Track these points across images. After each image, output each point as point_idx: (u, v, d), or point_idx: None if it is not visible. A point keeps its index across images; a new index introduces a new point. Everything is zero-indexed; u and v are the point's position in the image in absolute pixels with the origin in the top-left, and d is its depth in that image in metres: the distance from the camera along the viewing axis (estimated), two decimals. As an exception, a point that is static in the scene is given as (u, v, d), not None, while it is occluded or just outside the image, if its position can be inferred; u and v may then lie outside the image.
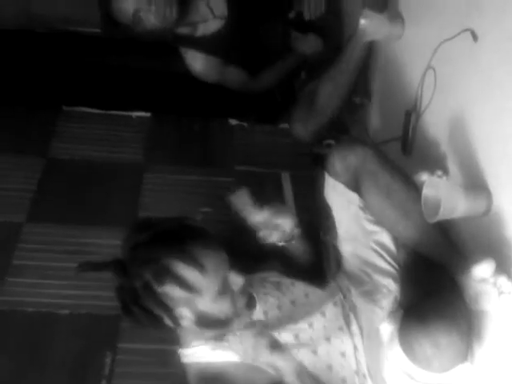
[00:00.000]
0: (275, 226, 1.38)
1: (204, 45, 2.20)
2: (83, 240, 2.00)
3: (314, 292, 1.41)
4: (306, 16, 2.03)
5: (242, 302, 1.23)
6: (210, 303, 1.17)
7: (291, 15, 2.07)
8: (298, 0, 2.05)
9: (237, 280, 1.20)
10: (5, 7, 2.75)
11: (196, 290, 1.14)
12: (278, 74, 2.31)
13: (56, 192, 2.18)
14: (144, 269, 1.13)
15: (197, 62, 2.21)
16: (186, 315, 1.17)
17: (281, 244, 1.43)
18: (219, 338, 1.23)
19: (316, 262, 1.59)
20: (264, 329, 1.26)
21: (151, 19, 2.02)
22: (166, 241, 1.16)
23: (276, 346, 1.25)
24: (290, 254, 1.50)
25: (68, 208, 2.12)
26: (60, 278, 1.89)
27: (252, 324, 1.27)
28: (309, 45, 2.16)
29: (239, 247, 1.56)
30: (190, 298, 1.15)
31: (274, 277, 1.43)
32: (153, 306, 1.14)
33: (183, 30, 2.16)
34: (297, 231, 1.43)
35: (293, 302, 1.37)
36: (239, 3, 2.15)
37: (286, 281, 1.42)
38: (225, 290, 1.18)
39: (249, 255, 1.48)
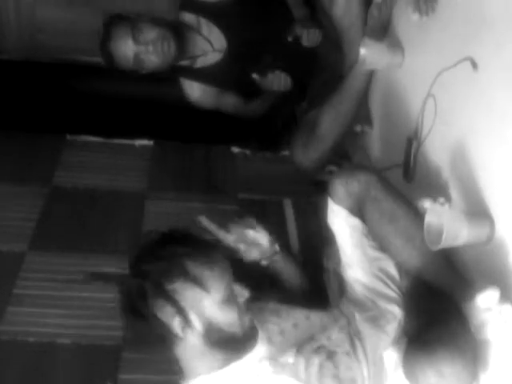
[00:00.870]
0: (251, 242, 1.41)
1: (202, 76, 2.23)
2: (85, 268, 1.98)
3: (315, 313, 1.40)
4: (304, 42, 2.06)
5: (247, 320, 1.22)
6: (217, 308, 1.16)
7: (289, 38, 2.10)
8: (299, 26, 2.07)
9: (242, 292, 1.21)
10: (11, 38, 2.80)
11: (204, 287, 1.15)
12: (267, 102, 2.35)
13: (58, 220, 2.18)
14: (153, 266, 1.15)
15: (194, 92, 2.25)
16: (194, 323, 1.15)
17: (264, 263, 1.45)
18: (224, 363, 1.21)
19: (315, 288, 1.58)
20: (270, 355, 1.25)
21: (152, 59, 2.05)
22: (175, 242, 1.19)
23: None
24: (280, 275, 1.51)
25: (70, 236, 2.12)
26: (61, 307, 1.87)
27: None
28: (274, 84, 2.19)
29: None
30: (198, 297, 1.15)
31: (271, 304, 1.42)
32: (162, 304, 1.14)
33: (183, 62, 2.20)
34: (277, 247, 1.47)
35: (295, 325, 1.36)
36: (237, 36, 2.18)
37: (285, 307, 1.41)
38: (230, 298, 1.18)
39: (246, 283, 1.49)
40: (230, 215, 1.45)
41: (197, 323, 1.16)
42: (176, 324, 1.16)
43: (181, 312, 1.15)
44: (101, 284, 1.22)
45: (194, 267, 1.16)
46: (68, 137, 2.58)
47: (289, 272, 1.55)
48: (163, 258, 1.16)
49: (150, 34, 2.03)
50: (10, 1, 2.74)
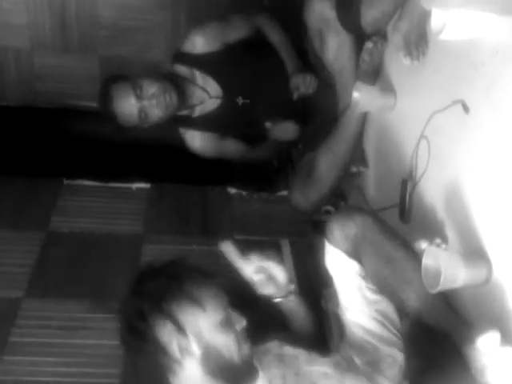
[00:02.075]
0: (269, 276, 1.40)
1: (202, 123, 2.26)
2: (81, 315, 1.97)
3: (318, 360, 1.38)
4: (304, 91, 2.08)
5: (246, 349, 1.21)
6: (214, 330, 1.16)
7: (295, 96, 2.11)
8: (294, 77, 2.10)
9: (239, 319, 1.20)
10: (10, 86, 2.85)
11: (201, 305, 1.15)
12: (276, 144, 2.35)
13: (55, 266, 2.17)
14: (152, 285, 1.17)
15: (195, 141, 2.27)
16: (192, 347, 1.14)
17: (277, 300, 1.44)
18: None
19: (317, 331, 1.57)
20: None
21: (156, 112, 2.07)
22: (174, 266, 1.22)
23: None
24: (289, 315, 1.50)
25: (66, 282, 2.10)
26: (57, 355, 1.86)
27: None
28: (283, 132, 2.20)
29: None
30: (195, 315, 1.15)
31: (275, 347, 1.40)
32: (161, 322, 1.14)
33: (182, 112, 2.23)
34: (293, 287, 1.45)
35: (296, 374, 1.34)
36: (231, 83, 2.22)
37: (289, 352, 1.39)
38: (228, 322, 1.18)
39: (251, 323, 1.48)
40: (252, 245, 1.43)
41: (195, 346, 1.15)
42: (175, 346, 1.15)
43: (179, 331, 1.14)
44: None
45: (192, 286, 1.17)
46: (65, 181, 2.59)
47: (299, 315, 1.53)
48: (162, 278, 1.18)
49: (151, 88, 2.05)
50: (9, 49, 2.80)
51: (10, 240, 2.26)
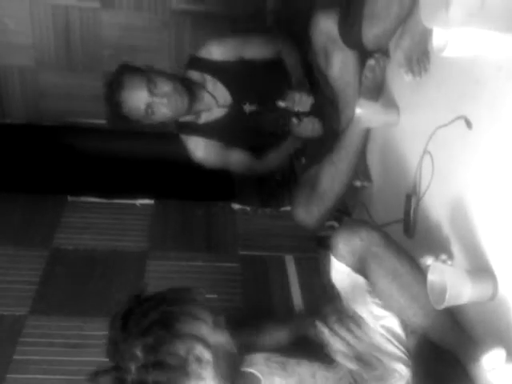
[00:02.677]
0: None
1: (206, 131, 2.25)
2: (86, 332, 1.97)
3: (320, 372, 1.37)
4: (295, 107, 2.10)
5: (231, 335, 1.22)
6: (214, 332, 1.16)
7: (281, 104, 2.13)
8: (291, 91, 2.13)
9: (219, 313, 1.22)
10: (15, 104, 2.88)
11: (197, 317, 1.16)
12: (283, 156, 2.36)
13: (59, 283, 2.17)
14: (149, 318, 1.15)
15: (198, 149, 2.25)
16: (205, 355, 1.13)
17: None
18: None
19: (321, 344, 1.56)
20: None
21: (163, 111, 2.06)
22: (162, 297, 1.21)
23: None
24: None
25: (71, 299, 2.10)
26: (62, 372, 1.85)
27: None
28: (308, 129, 2.20)
29: (247, 326, 1.56)
30: (197, 327, 1.14)
31: (278, 356, 1.40)
32: (174, 347, 1.12)
33: (186, 118, 2.23)
34: None
35: (299, 382, 1.33)
36: (241, 93, 2.22)
37: (291, 360, 1.38)
38: (215, 321, 1.19)
39: (255, 331, 1.48)
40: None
41: (206, 354, 1.14)
42: (192, 361, 1.13)
43: (190, 346, 1.13)
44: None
45: (182, 306, 1.18)
46: (69, 198, 2.60)
47: None
48: (154, 308, 1.17)
49: (165, 87, 2.04)
50: (14, 68, 2.83)
51: (15, 257, 2.26)
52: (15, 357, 1.89)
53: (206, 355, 1.15)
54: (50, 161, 2.65)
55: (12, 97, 2.87)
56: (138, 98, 2.02)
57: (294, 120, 2.17)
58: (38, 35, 2.75)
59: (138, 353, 1.11)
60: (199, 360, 1.14)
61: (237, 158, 2.31)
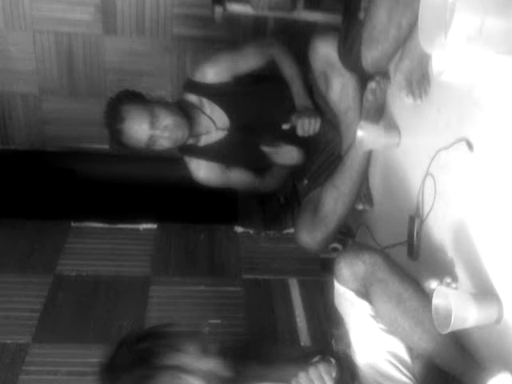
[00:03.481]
0: None
1: (206, 153, 2.27)
2: (89, 360, 1.94)
3: None
4: (299, 132, 2.07)
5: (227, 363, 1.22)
6: (198, 359, 1.17)
7: (285, 127, 2.12)
8: (296, 115, 2.11)
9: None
10: (19, 130, 2.90)
11: (178, 349, 1.17)
12: (283, 173, 2.36)
13: (62, 310, 2.15)
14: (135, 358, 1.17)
15: (200, 170, 2.28)
16: (189, 381, 1.15)
17: None
18: None
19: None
20: None
21: (164, 143, 2.08)
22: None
23: None
24: None
25: (74, 326, 2.09)
26: (66, 401, 1.84)
27: None
28: (286, 158, 2.20)
29: (254, 354, 1.54)
30: (178, 357, 1.16)
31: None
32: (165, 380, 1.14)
33: (187, 141, 2.23)
34: None
35: None
36: (240, 115, 2.23)
37: None
38: (203, 348, 1.20)
39: (261, 362, 1.46)
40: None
41: (195, 381, 1.15)
42: None
43: (176, 377, 1.15)
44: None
45: (158, 341, 1.20)
46: (73, 224, 2.60)
47: None
48: (145, 343, 1.19)
49: (167, 120, 2.06)
50: (18, 94, 2.85)
51: (18, 284, 2.25)
52: (19, 386, 1.88)
53: (196, 382, 1.14)
54: (53, 186, 2.66)
55: (15, 123, 2.90)
56: (139, 131, 2.04)
57: (265, 148, 2.17)
58: (41, 62, 2.78)
59: None
60: None
61: (238, 177, 2.33)
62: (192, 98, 2.24)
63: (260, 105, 2.22)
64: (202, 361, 1.18)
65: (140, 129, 2.03)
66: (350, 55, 1.82)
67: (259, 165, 2.33)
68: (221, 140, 2.26)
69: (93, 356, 1.96)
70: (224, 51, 2.24)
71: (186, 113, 2.16)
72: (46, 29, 2.72)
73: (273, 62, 2.22)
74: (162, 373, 1.14)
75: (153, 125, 2.03)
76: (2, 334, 2.03)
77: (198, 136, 2.25)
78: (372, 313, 1.50)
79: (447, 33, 1.11)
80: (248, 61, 2.21)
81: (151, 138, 2.05)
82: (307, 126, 2.04)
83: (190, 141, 2.24)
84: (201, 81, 2.20)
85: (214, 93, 2.21)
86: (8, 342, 2.01)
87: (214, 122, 2.23)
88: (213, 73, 2.19)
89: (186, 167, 2.31)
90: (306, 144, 2.19)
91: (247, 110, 2.23)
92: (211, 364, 1.18)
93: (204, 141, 2.28)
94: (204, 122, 2.23)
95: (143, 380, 1.14)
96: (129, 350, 1.20)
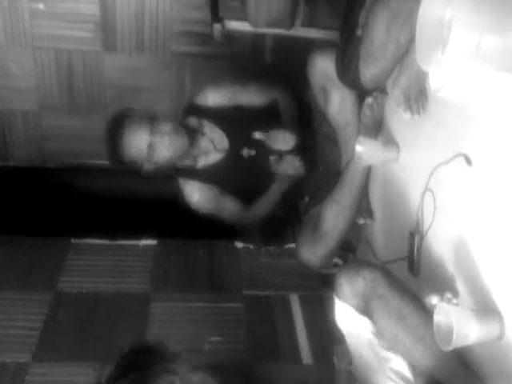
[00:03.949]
0: None
1: (203, 175, 2.27)
2: (90, 378, 1.93)
3: None
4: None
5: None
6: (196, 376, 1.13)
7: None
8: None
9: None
10: (19, 147, 2.91)
11: (174, 372, 1.12)
12: (272, 200, 2.36)
13: (62, 328, 2.14)
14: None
15: (195, 193, 2.26)
16: None
17: None
18: None
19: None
20: None
21: (164, 151, 2.08)
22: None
23: None
24: None
25: (74, 345, 2.08)
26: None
27: None
28: (289, 167, 2.23)
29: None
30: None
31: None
32: None
33: (185, 162, 2.25)
34: None
35: None
36: (238, 137, 2.25)
37: None
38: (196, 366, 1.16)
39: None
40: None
41: None
42: None
43: None
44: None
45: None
46: (73, 240, 2.60)
47: None
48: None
49: (166, 126, 2.08)
50: (18, 111, 2.86)
51: (18, 301, 2.24)
52: (17, 407, 1.87)
53: None
54: (53, 203, 2.65)
55: (15, 140, 2.90)
56: (139, 139, 2.05)
57: (272, 158, 2.21)
58: (41, 79, 2.79)
59: None
60: None
61: (229, 206, 2.32)
62: (192, 121, 2.26)
63: (259, 130, 2.25)
64: (193, 374, 1.16)
65: (139, 137, 2.05)
66: (348, 72, 1.83)
67: (256, 187, 2.33)
68: (218, 162, 2.27)
69: (93, 375, 1.95)
70: (229, 82, 2.31)
71: (188, 131, 2.17)
72: (46, 46, 2.73)
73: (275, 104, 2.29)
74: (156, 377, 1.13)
75: (151, 131, 2.05)
76: (1, 353, 2.02)
77: (196, 157, 2.26)
78: (373, 329, 1.49)
79: (444, 50, 1.11)
80: (250, 96, 2.27)
81: (151, 145, 2.05)
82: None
83: (188, 162, 2.25)
84: (203, 104, 2.24)
85: (215, 114, 2.24)
86: (8, 360, 2.00)
87: (213, 142, 2.25)
88: (215, 97, 2.24)
89: (179, 189, 2.30)
90: (307, 156, 2.21)
91: (246, 134, 2.25)
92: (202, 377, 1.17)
93: (202, 162, 2.28)
94: (203, 143, 2.25)
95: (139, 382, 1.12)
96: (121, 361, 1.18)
